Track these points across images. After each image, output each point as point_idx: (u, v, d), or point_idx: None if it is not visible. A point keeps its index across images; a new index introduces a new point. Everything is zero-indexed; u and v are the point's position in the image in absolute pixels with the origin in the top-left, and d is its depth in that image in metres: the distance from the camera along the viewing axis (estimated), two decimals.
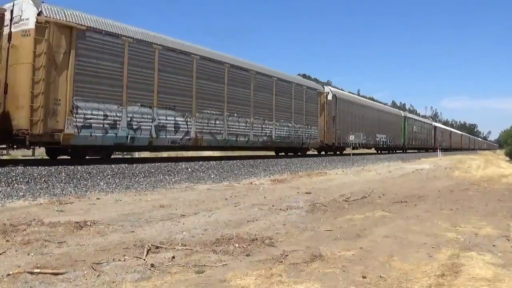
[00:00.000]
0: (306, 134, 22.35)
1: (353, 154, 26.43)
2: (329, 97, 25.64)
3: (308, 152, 25.54)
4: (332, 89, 27.44)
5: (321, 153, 28.12)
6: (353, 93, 58.56)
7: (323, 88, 26.09)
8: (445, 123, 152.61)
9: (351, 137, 26.78)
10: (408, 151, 44.71)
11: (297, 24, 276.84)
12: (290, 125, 20.81)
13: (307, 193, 8.36)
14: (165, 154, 21.90)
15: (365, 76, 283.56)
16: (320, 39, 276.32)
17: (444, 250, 4.10)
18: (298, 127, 21.58)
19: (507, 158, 40.80)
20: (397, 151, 41.38)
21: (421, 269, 3.45)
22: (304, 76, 68.72)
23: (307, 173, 13.43)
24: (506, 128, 64.30)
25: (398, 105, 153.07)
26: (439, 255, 3.90)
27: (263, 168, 13.97)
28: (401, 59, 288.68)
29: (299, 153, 23.54)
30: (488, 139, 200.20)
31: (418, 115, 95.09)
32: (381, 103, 66.31)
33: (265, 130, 18.77)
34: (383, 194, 8.41)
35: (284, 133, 20.33)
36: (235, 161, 14.95)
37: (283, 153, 23.54)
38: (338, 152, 28.51)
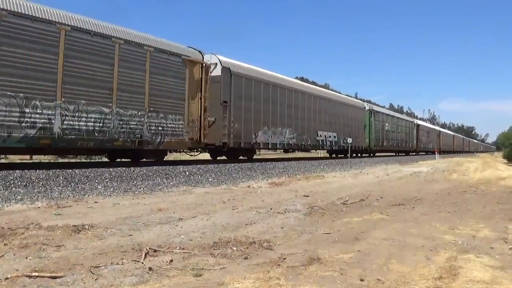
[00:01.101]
0: (155, 128, 13.39)
1: (280, 160, 20.88)
2: (216, 70, 16.31)
3: (169, 158, 16.44)
4: (224, 59, 17.09)
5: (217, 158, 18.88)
6: (350, 96, 54.69)
7: (201, 55, 15.57)
8: (443, 125, 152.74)
9: (265, 135, 19.10)
10: (377, 154, 36.83)
11: (296, 26, 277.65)
12: (107, 110, 11.89)
13: (305, 196, 8.36)
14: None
15: (362, 79, 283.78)
16: (318, 42, 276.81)
17: (442, 252, 4.11)
18: (131, 115, 12.61)
19: (505, 161, 40.90)
20: (363, 155, 33.47)
21: (419, 271, 3.46)
22: (301, 79, 68.04)
23: (305, 176, 13.44)
24: (504, 130, 63.35)
25: (396, 107, 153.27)
26: (437, 258, 3.91)
27: (261, 171, 13.98)
28: (398, 62, 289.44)
29: (143, 159, 14.45)
30: (486, 141, 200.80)
31: (416, 117, 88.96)
32: (379, 105, 56.34)
33: (30, 117, 10.07)
34: (381, 197, 8.42)
35: (90, 124, 11.44)
36: (233, 164, 14.94)
37: (128, 159, 14.61)
38: (242, 157, 19.22)
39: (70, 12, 11.32)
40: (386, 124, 36.92)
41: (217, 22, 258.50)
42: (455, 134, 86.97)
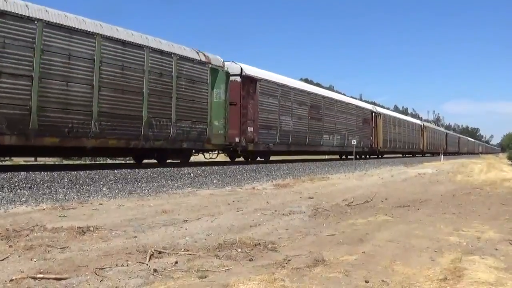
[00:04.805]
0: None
1: None
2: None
3: None
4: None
5: None
6: (355, 98, 52.81)
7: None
8: (448, 127, 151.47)
9: None
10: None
11: (300, 27, 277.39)
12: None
13: (309, 197, 8.36)
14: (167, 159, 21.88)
15: (367, 80, 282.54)
16: (322, 43, 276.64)
17: (446, 254, 4.09)
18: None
19: (510, 162, 40.63)
20: None
21: (423, 273, 3.45)
22: (306, 80, 67.82)
23: (310, 177, 13.41)
24: (508, 131, 60.89)
25: (401, 109, 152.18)
26: (441, 259, 3.89)
27: (265, 173, 13.97)
28: (403, 63, 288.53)
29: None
30: (491, 143, 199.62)
31: (420, 119, 78.35)
32: (383, 107, 47.26)
33: None
34: (386, 199, 8.39)
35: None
36: (237, 166, 14.95)
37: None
38: None
39: None
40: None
41: (219, 22, 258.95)
42: (433, 126, 60.47)
